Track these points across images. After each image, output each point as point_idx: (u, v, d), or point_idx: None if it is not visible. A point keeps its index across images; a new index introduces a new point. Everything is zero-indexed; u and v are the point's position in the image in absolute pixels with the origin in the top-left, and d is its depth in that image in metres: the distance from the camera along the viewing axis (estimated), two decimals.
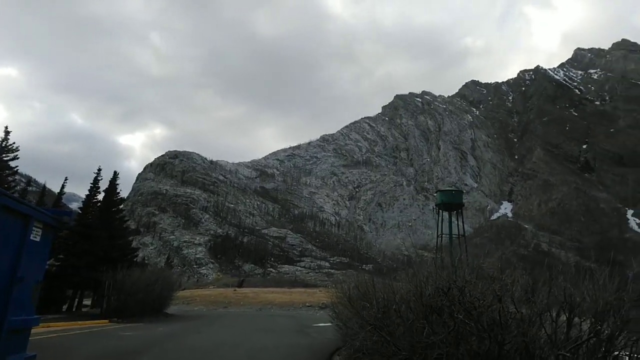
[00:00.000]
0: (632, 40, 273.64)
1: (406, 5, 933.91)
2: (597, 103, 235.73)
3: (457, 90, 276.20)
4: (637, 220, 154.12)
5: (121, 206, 32.72)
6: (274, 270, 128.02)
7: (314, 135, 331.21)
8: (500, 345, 5.86)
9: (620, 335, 5.70)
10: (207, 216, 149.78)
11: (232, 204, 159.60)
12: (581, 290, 6.27)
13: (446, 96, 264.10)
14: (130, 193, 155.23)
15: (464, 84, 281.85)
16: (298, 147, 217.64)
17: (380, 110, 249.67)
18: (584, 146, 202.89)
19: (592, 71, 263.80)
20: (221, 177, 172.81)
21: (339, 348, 15.67)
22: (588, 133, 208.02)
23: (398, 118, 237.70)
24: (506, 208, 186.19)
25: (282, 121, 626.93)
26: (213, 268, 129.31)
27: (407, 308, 7.93)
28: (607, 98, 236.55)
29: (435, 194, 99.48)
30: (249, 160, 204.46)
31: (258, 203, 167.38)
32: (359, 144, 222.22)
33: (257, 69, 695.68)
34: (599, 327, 5.65)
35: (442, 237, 62.83)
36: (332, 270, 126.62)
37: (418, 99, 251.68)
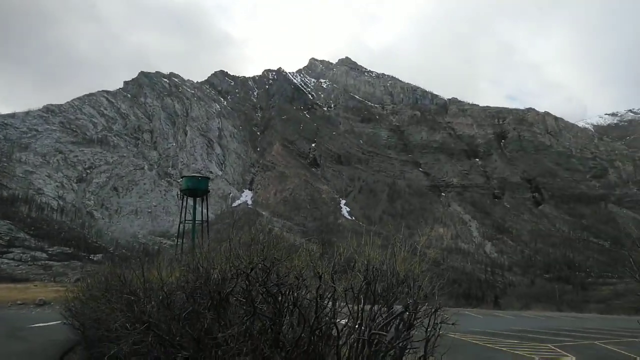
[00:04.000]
0: (353, 59, 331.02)
1: None
2: (325, 109, 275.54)
3: (206, 78, 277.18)
4: (347, 209, 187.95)
5: None
6: None
7: (35, 103, 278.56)
8: (313, 331, 5.03)
9: (422, 307, 5.61)
10: None
11: None
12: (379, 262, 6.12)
13: (195, 82, 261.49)
14: None
15: (213, 72, 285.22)
16: (12, 115, 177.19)
17: (122, 86, 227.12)
18: (313, 145, 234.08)
19: (322, 80, 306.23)
20: None
21: (72, 348, 12.87)
22: (317, 134, 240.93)
23: (142, 97, 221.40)
24: (247, 196, 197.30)
25: None
26: None
27: (186, 298, 6.60)
28: (332, 105, 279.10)
29: (180, 180, 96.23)
30: None
31: None
32: (93, 119, 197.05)
33: None
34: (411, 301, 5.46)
35: (185, 223, 61.23)
36: (51, 262, 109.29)
37: (165, 79, 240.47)
